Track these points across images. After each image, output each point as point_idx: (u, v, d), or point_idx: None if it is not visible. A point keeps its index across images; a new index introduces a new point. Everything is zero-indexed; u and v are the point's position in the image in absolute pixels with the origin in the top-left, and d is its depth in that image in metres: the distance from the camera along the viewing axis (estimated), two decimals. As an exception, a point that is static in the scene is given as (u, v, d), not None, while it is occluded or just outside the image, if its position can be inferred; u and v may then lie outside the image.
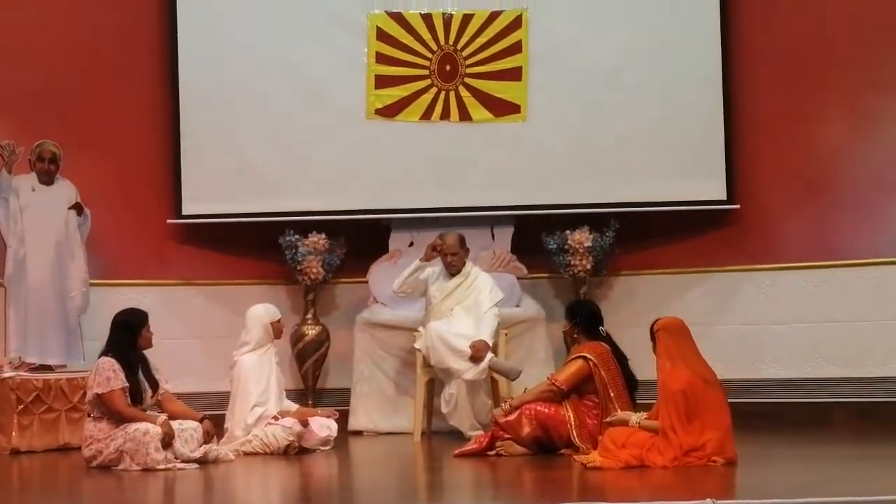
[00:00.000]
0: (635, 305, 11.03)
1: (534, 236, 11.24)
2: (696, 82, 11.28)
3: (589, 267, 11.09)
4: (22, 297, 10.25)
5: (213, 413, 9.46)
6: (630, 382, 8.99)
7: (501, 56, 11.36)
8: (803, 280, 10.96)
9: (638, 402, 8.91)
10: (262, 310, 9.80)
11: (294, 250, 11.09)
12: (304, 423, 9.43)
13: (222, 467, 8.67)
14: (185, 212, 11.34)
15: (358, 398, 10.82)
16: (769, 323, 11.02)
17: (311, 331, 11.20)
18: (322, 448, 9.50)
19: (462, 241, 10.49)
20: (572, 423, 8.87)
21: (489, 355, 9.95)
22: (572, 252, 11.05)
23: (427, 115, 11.38)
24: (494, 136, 11.32)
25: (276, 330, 9.78)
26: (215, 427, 9.04)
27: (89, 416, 8.75)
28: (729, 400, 8.26)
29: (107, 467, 8.51)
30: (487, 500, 6.63)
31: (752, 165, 11.22)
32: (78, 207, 10.44)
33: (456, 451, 9.04)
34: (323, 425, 9.57)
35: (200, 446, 8.70)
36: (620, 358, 9.04)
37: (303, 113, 11.36)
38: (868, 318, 10.75)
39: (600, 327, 9.18)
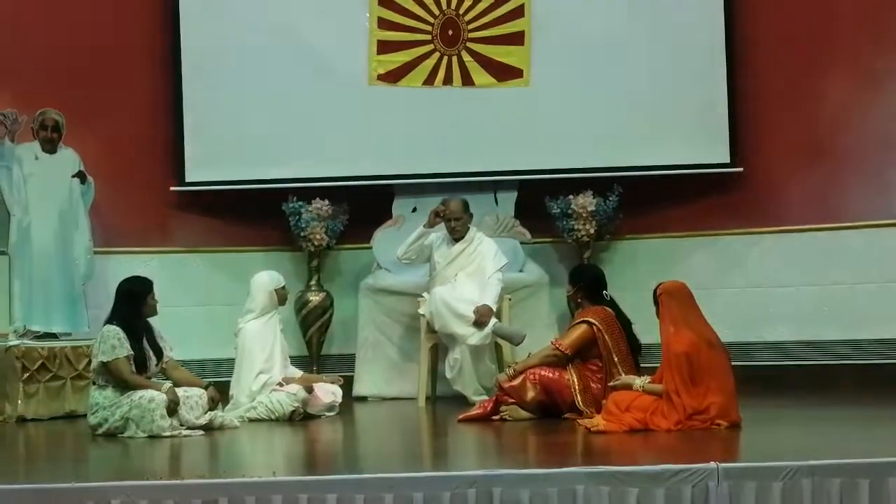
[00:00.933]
0: (639, 269, 11.02)
1: (537, 201, 11.23)
2: (700, 45, 11.23)
3: (592, 231, 11.08)
4: (26, 266, 10.27)
5: (217, 380, 9.50)
6: (634, 346, 8.99)
7: (504, 20, 11.32)
8: (807, 243, 10.95)
9: (642, 366, 8.92)
10: (267, 277, 9.81)
11: (297, 217, 11.10)
12: (309, 390, 9.45)
13: (227, 434, 8.69)
14: (188, 179, 11.33)
15: (362, 364, 10.84)
16: (773, 286, 11.01)
17: (315, 297, 11.21)
18: (327, 414, 9.53)
19: (465, 206, 10.48)
20: (576, 387, 8.88)
21: (493, 320, 9.96)
22: (576, 216, 11.04)
23: (430, 81, 11.35)
24: (497, 101, 11.29)
25: (281, 297, 9.79)
26: (220, 394, 9.06)
27: (94, 384, 8.78)
28: (733, 363, 8.27)
29: (112, 434, 8.54)
30: (492, 465, 6.65)
31: (755, 129, 11.20)
32: (81, 175, 10.45)
33: (460, 416, 9.05)
34: (328, 391, 9.59)
35: (205, 413, 8.72)
36: (624, 322, 9.04)
37: (305, 79, 11.32)
38: (873, 280, 10.75)
39: (604, 291, 9.18)
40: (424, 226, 10.45)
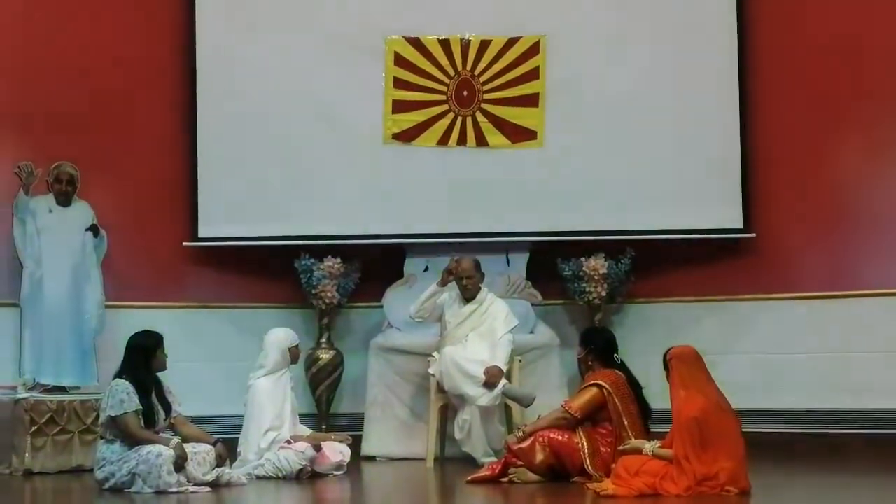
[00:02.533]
0: (650, 333, 10.99)
1: (549, 263, 11.24)
2: (714, 110, 11.27)
3: (604, 294, 11.08)
4: (37, 319, 10.27)
5: (226, 436, 9.46)
6: (644, 410, 8.96)
7: (519, 82, 11.37)
8: (819, 310, 10.92)
9: (652, 430, 8.88)
10: (283, 334, 9.80)
11: (309, 274, 11.10)
12: (317, 448, 9.43)
13: (234, 491, 8.67)
14: (201, 234, 11.35)
15: (371, 423, 10.80)
16: (785, 352, 10.98)
17: (325, 355, 11.20)
18: (335, 473, 9.49)
19: (477, 265, 10.49)
20: (586, 450, 8.84)
21: (503, 381, 9.94)
22: (587, 279, 11.04)
23: (444, 141, 11.38)
24: (511, 162, 11.32)
25: (294, 355, 9.78)
26: (228, 450, 9.04)
27: (102, 438, 8.75)
28: (744, 429, 8.23)
29: (119, 489, 8.51)
30: (499, 528, 6.64)
31: (768, 194, 11.21)
32: (94, 229, 10.47)
33: (469, 478, 9.01)
34: (336, 450, 9.56)
35: (213, 469, 8.70)
36: (635, 386, 9.02)
37: (320, 137, 11.37)
38: (885, 348, 10.71)
39: (615, 355, 9.16)
40: (437, 284, 10.45)
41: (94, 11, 11.30)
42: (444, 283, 10.43)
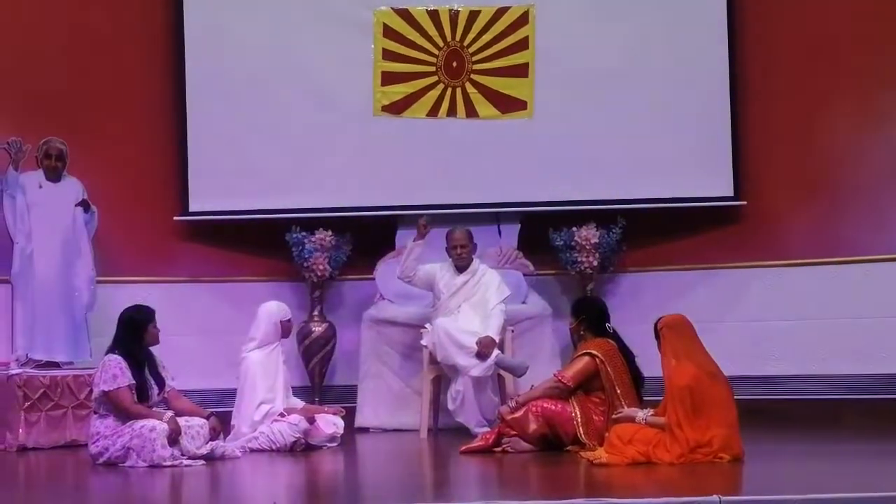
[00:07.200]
0: (642, 302, 11.00)
1: (540, 233, 11.24)
2: (704, 78, 11.27)
3: (595, 264, 11.08)
4: (29, 294, 10.26)
5: (219, 410, 9.47)
6: (637, 379, 8.99)
7: (508, 52, 11.36)
8: (810, 277, 10.93)
9: (644, 399, 8.90)
10: (275, 307, 9.79)
11: (301, 247, 11.10)
12: (311, 420, 9.44)
13: (229, 464, 8.68)
14: (191, 209, 11.35)
15: (364, 395, 10.82)
16: (776, 320, 11.00)
17: (317, 328, 11.20)
18: (328, 445, 9.50)
19: (470, 235, 10.49)
20: (579, 419, 8.86)
21: (496, 352, 9.95)
22: (579, 249, 11.05)
23: (434, 112, 11.37)
24: (501, 133, 11.31)
25: (286, 329, 9.77)
26: (222, 424, 9.04)
27: (95, 413, 8.76)
28: (735, 397, 8.26)
29: (113, 464, 8.52)
30: (494, 497, 6.63)
31: (758, 162, 11.21)
32: (85, 204, 10.45)
33: (462, 448, 9.04)
34: (329, 422, 9.57)
35: (207, 443, 8.71)
36: (627, 355, 9.04)
37: (310, 110, 11.35)
38: (875, 314, 10.72)
39: (607, 324, 9.18)
40: (414, 240, 10.40)
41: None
42: (420, 238, 10.36)
